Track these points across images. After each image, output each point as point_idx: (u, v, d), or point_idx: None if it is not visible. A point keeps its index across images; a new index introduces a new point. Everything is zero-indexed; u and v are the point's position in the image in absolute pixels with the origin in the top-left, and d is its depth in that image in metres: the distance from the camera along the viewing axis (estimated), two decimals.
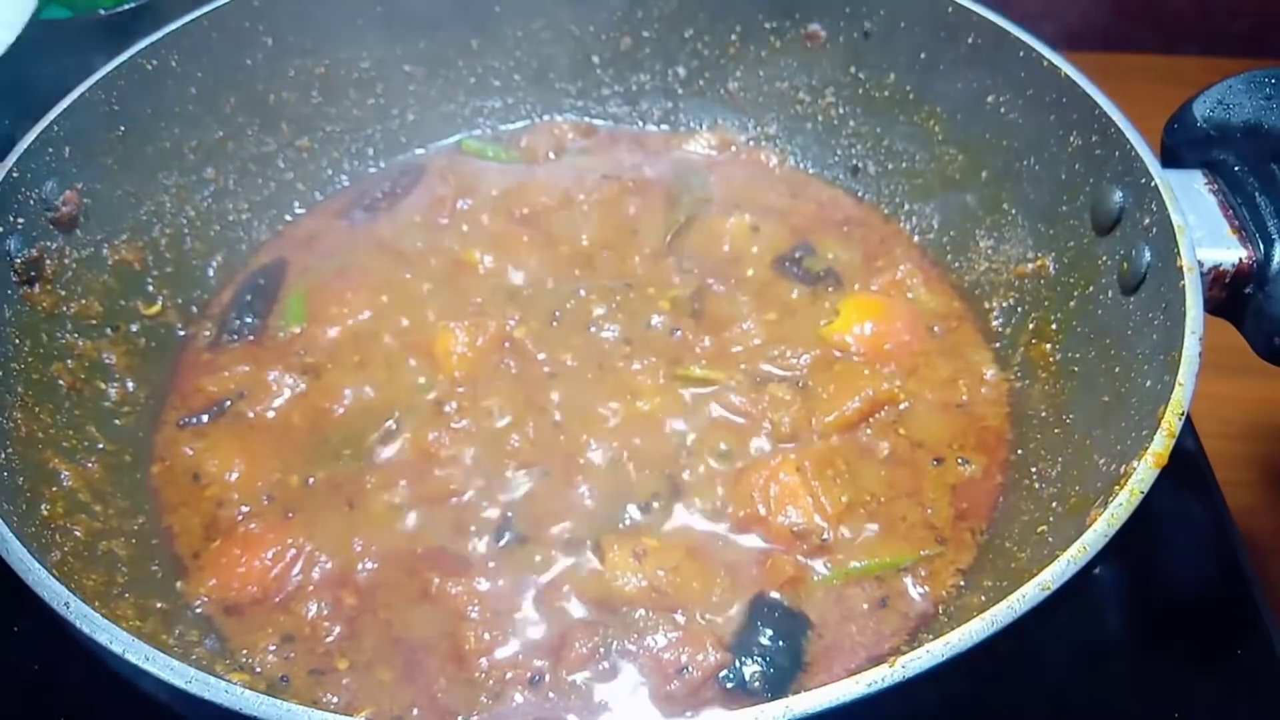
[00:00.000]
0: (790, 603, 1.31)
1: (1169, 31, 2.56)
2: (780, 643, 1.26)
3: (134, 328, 1.56)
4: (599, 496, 1.40)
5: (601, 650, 1.25)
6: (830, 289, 1.67)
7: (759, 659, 1.25)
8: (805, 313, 1.63)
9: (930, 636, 1.12)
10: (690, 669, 1.23)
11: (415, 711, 1.22)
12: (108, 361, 1.50)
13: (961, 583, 1.34)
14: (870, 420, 1.50)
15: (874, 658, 1.26)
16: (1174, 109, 1.49)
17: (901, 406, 1.52)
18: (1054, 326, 1.52)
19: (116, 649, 1.00)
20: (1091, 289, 1.46)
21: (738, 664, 1.24)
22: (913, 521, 1.40)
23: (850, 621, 1.30)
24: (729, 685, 1.23)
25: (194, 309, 1.66)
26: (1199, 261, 1.28)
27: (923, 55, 1.72)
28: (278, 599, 1.31)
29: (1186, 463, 1.63)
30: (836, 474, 1.42)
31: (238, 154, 1.75)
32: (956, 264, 1.72)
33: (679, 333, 1.59)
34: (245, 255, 1.75)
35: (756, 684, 1.23)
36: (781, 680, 1.24)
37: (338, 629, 1.28)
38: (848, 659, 1.27)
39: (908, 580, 1.34)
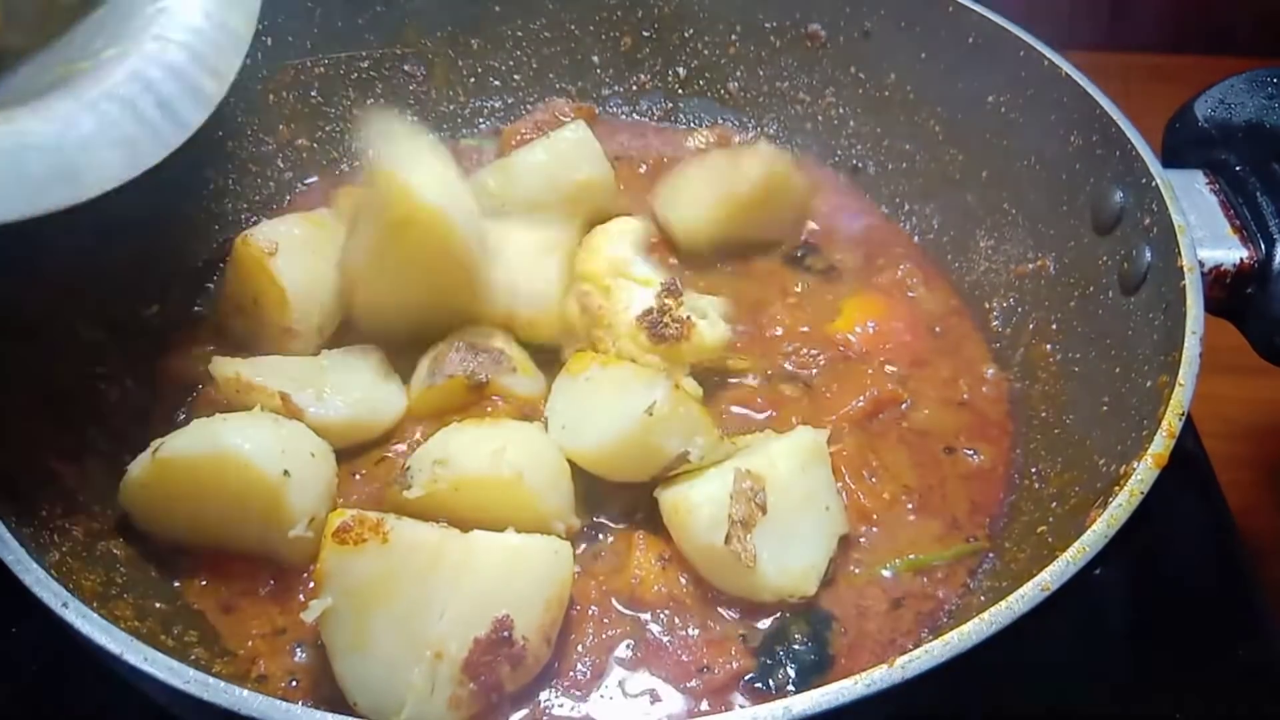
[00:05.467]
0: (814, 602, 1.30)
1: (1169, 31, 2.56)
2: (809, 643, 1.26)
3: (134, 328, 1.56)
4: (618, 487, 1.38)
5: (623, 642, 1.26)
6: (832, 289, 1.67)
7: (786, 662, 1.25)
8: (807, 312, 1.63)
9: (930, 636, 1.12)
10: (712, 669, 1.23)
11: None
12: (108, 362, 1.50)
13: (969, 582, 1.34)
14: (876, 418, 1.50)
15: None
16: (1174, 109, 1.50)
17: (903, 406, 1.52)
18: (1054, 326, 1.52)
19: (115, 649, 0.99)
20: (1092, 289, 1.46)
21: (766, 664, 1.24)
22: (932, 512, 1.41)
23: (868, 619, 1.30)
24: (756, 685, 1.23)
25: (194, 309, 1.65)
26: (1200, 261, 1.28)
27: (923, 55, 1.72)
28: (272, 592, 1.31)
29: (1186, 463, 1.63)
30: (858, 472, 1.42)
31: (237, 154, 1.75)
32: (956, 264, 1.72)
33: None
34: None
35: (790, 689, 1.22)
36: (806, 683, 1.23)
37: None
38: (869, 657, 1.27)
39: (923, 580, 1.34)
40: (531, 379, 1.44)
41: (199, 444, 1.24)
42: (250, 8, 1.42)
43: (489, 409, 1.40)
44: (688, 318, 1.38)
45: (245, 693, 0.96)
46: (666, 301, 1.38)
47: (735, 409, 1.49)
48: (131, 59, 1.30)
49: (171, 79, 1.32)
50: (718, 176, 1.65)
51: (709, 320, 1.41)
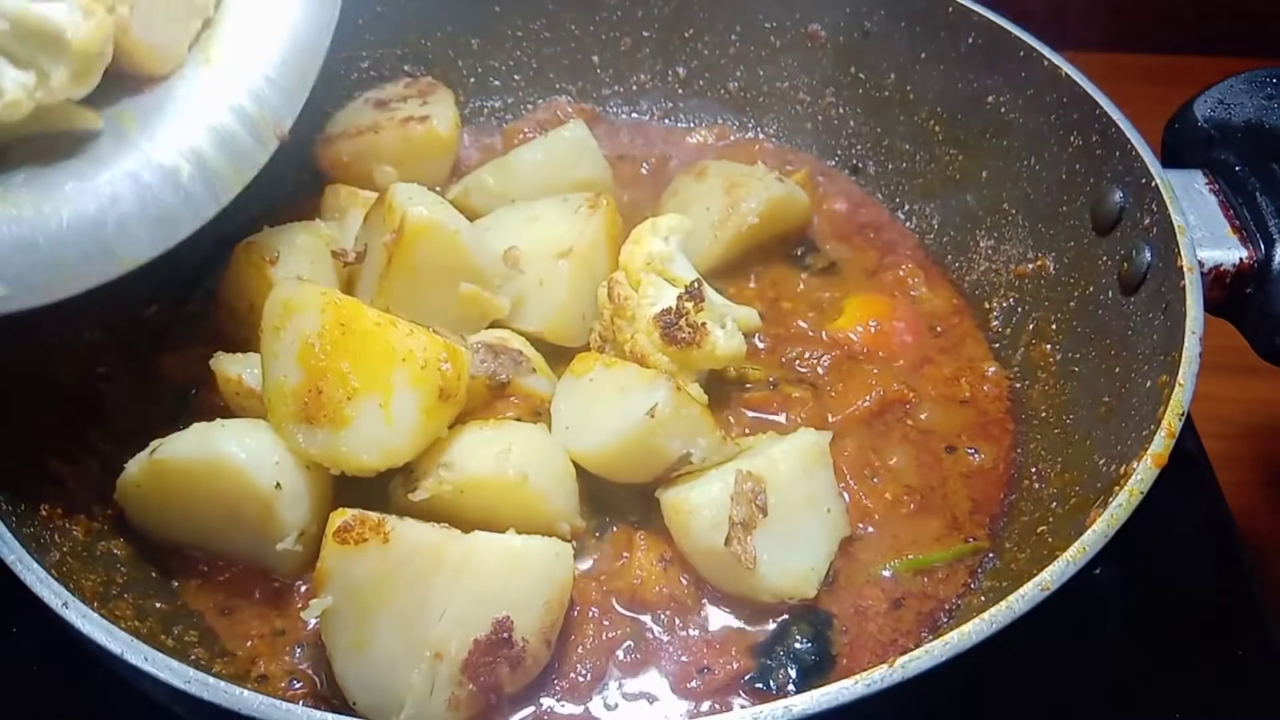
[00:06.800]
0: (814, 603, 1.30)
1: (1169, 31, 2.56)
2: (809, 644, 1.26)
3: (134, 328, 1.56)
4: (620, 487, 1.37)
5: (624, 643, 1.26)
6: (833, 287, 1.67)
7: (787, 662, 1.25)
8: (809, 312, 1.64)
9: (931, 636, 1.12)
10: (712, 669, 1.23)
11: None
12: (107, 363, 1.49)
13: (969, 582, 1.34)
14: (881, 418, 1.50)
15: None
16: (1174, 109, 1.50)
17: (907, 406, 1.52)
18: (1054, 326, 1.52)
19: (115, 649, 1.00)
20: (1091, 289, 1.46)
21: (766, 664, 1.24)
22: (932, 512, 1.40)
23: (869, 619, 1.30)
24: (757, 685, 1.23)
25: (193, 309, 1.65)
26: (1199, 261, 1.28)
27: (923, 55, 1.72)
28: (270, 594, 1.31)
29: (1186, 463, 1.63)
30: (860, 472, 1.42)
31: None
32: (957, 264, 1.72)
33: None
34: None
35: (790, 689, 1.22)
36: (807, 684, 1.23)
37: None
38: (870, 657, 1.26)
39: (924, 580, 1.34)
40: (549, 380, 1.43)
41: (195, 449, 1.24)
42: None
43: (503, 411, 1.39)
44: (703, 325, 1.38)
45: (245, 693, 0.96)
46: (686, 305, 1.38)
47: (744, 410, 1.49)
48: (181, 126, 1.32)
49: (220, 145, 1.34)
50: (716, 206, 1.64)
51: (726, 331, 1.40)
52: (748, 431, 1.45)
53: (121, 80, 1.34)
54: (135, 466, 1.27)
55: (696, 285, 1.40)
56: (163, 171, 1.30)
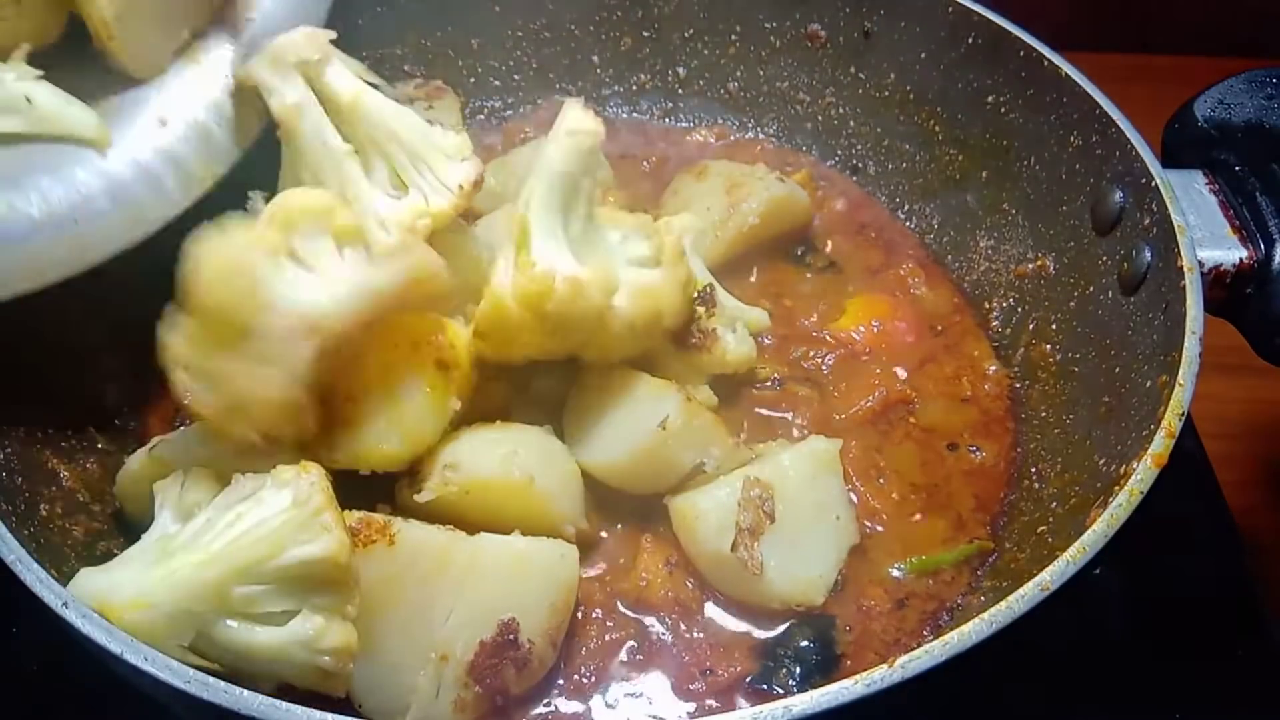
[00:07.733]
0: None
1: (1169, 31, 2.56)
2: (813, 644, 1.26)
3: (134, 327, 1.56)
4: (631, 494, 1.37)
5: (627, 645, 1.26)
6: (833, 287, 1.68)
7: (790, 664, 1.25)
8: (811, 312, 1.64)
9: (933, 636, 1.12)
10: (715, 671, 1.23)
11: None
12: (107, 362, 1.50)
13: (971, 581, 1.34)
14: (885, 417, 1.50)
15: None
16: (1174, 109, 1.50)
17: (908, 406, 1.52)
18: (1054, 327, 1.52)
19: (115, 649, 0.99)
20: (1091, 289, 1.46)
21: (769, 666, 1.24)
22: (939, 511, 1.40)
23: (873, 620, 1.30)
24: (760, 687, 1.23)
25: None
26: (1199, 261, 1.28)
27: (923, 55, 1.72)
28: None
29: (1186, 463, 1.63)
30: (866, 472, 1.43)
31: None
32: (957, 264, 1.72)
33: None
34: None
35: (793, 689, 1.22)
36: (809, 685, 1.22)
37: None
38: (874, 658, 1.26)
39: (928, 580, 1.34)
40: (559, 380, 1.42)
41: (195, 447, 1.23)
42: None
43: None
44: (713, 330, 1.37)
45: (245, 693, 0.96)
46: (698, 310, 1.37)
47: (754, 408, 1.49)
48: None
49: (195, 142, 1.33)
50: (717, 206, 1.64)
51: (737, 335, 1.40)
52: (769, 425, 1.45)
53: (102, 75, 1.34)
54: (135, 462, 1.27)
55: (709, 290, 1.40)
56: (137, 168, 1.30)
